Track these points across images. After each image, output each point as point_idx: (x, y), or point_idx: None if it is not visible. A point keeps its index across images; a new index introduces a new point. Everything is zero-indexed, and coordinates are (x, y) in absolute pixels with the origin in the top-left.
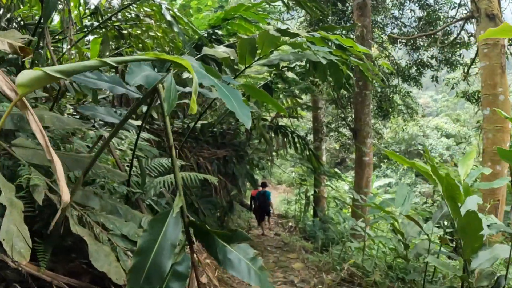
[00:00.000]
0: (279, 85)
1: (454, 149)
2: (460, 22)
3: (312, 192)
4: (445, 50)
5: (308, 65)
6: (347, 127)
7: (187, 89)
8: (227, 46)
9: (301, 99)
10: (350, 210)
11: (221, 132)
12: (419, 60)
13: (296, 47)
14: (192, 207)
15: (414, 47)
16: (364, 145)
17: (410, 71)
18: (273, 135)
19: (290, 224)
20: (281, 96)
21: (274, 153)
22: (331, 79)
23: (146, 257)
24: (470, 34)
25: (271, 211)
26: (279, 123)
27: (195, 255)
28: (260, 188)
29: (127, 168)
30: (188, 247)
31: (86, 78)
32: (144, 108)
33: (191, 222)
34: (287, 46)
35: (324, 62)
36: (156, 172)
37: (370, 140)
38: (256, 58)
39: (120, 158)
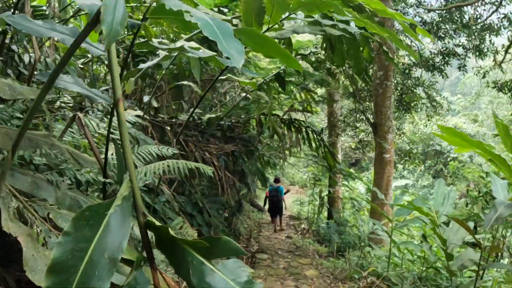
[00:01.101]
0: (292, 78)
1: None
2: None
3: (327, 193)
4: (473, 37)
5: (324, 45)
6: (366, 122)
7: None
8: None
9: (316, 93)
10: (366, 213)
11: (229, 125)
12: (445, 48)
13: (314, 9)
14: (197, 207)
15: (438, 35)
16: (384, 140)
17: (435, 61)
18: (285, 130)
19: (302, 226)
20: (294, 89)
21: (286, 151)
22: (350, 64)
23: (66, 280)
24: (503, 15)
25: (283, 207)
26: (292, 118)
27: (159, 275)
28: (274, 184)
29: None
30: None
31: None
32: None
33: (148, 223)
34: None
35: (347, 34)
36: (143, 163)
37: (391, 136)
38: (264, 29)
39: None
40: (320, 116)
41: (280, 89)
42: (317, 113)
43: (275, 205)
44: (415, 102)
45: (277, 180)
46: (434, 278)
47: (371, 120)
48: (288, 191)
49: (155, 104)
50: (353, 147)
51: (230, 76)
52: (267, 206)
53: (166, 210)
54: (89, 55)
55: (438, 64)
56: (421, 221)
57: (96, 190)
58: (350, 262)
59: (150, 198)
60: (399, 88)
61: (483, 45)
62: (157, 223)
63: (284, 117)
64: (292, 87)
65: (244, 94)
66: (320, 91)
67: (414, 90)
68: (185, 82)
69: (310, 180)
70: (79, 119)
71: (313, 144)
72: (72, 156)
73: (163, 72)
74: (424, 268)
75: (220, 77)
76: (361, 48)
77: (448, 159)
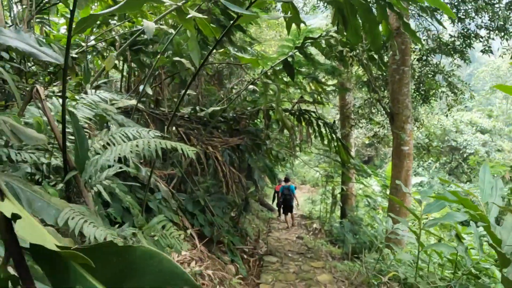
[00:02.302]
0: (302, 68)
1: (491, 145)
2: None
3: (340, 190)
4: (497, 16)
5: (336, 21)
6: (381, 113)
7: None
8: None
9: (327, 84)
10: (381, 211)
11: (234, 117)
12: (466, 30)
13: None
14: (199, 205)
15: (458, 16)
16: (403, 131)
17: (456, 44)
18: (295, 123)
19: (314, 226)
20: (303, 81)
21: (296, 146)
22: (363, 47)
23: None
24: None
25: (294, 204)
26: (302, 109)
27: None
28: (283, 183)
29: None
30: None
31: None
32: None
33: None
34: None
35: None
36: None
37: (410, 126)
38: None
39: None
40: (330, 109)
41: (288, 80)
42: (328, 105)
43: (288, 203)
44: (434, 91)
45: (287, 179)
46: None
47: (387, 109)
48: (295, 187)
49: (149, 91)
50: (366, 142)
51: (227, 49)
52: (275, 202)
53: (162, 209)
54: (83, 44)
55: (459, 48)
56: (454, 218)
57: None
58: (367, 265)
59: (143, 195)
60: (416, 77)
61: (508, 25)
62: (23, 214)
63: (294, 108)
64: (301, 78)
65: (251, 87)
66: (332, 82)
67: (433, 78)
68: (183, 60)
69: (321, 178)
70: (37, 92)
71: (325, 138)
72: (11, 131)
73: (158, 56)
74: (460, 274)
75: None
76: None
77: (465, 155)
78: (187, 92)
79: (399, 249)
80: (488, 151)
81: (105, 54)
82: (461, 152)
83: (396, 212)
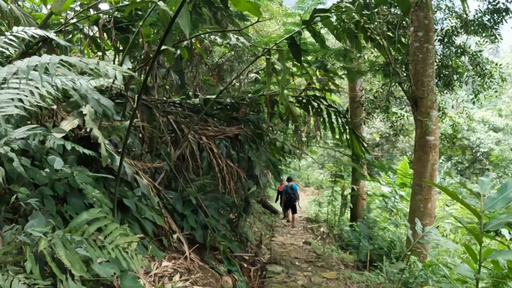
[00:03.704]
0: (309, 57)
1: (504, 144)
2: None
3: (350, 190)
4: None
5: None
6: (400, 101)
7: None
8: None
9: (337, 74)
10: (391, 214)
11: (232, 103)
12: (496, 2)
13: None
14: (191, 205)
15: None
16: (428, 118)
17: (483, 19)
18: (302, 112)
19: (322, 229)
20: (309, 70)
21: (304, 138)
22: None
23: None
24: None
25: (297, 203)
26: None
27: None
28: (286, 183)
29: None
30: None
31: None
32: None
33: None
34: None
35: None
36: None
37: (436, 113)
38: None
39: None
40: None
41: (294, 67)
42: (339, 94)
43: (292, 202)
44: (459, 75)
45: (289, 179)
46: None
47: (409, 93)
48: (298, 187)
49: (129, 64)
50: (377, 139)
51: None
52: (278, 202)
53: (142, 208)
54: (62, 20)
55: (489, 25)
56: None
57: None
58: (390, 276)
59: (119, 190)
60: (437, 60)
61: None
62: None
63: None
64: (307, 67)
65: (253, 75)
66: (341, 73)
67: (457, 61)
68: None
69: (326, 180)
70: None
71: (336, 129)
72: None
73: (141, 24)
74: None
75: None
76: None
77: (478, 154)
78: (183, 83)
79: (431, 256)
80: (502, 149)
81: (89, 33)
82: (474, 151)
83: (420, 213)
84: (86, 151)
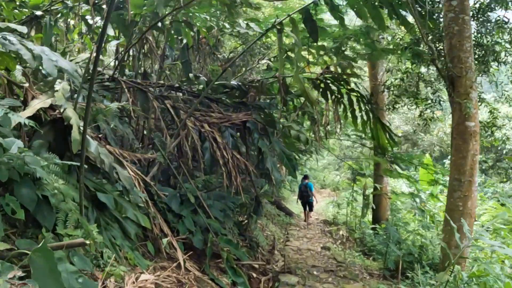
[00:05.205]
0: (325, 42)
1: None
2: None
3: (372, 190)
4: None
5: None
6: (431, 84)
7: None
8: None
9: (355, 61)
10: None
11: (239, 86)
12: None
13: None
14: (189, 204)
15: None
16: (468, 100)
17: None
18: (320, 98)
19: (341, 233)
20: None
21: (321, 131)
22: None
23: None
24: None
25: (313, 201)
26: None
27: None
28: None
29: None
30: None
31: None
32: None
33: None
34: None
35: None
36: None
37: (476, 94)
38: None
39: None
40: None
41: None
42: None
43: (305, 200)
44: (496, 54)
45: (306, 177)
46: None
47: (444, 71)
48: (313, 185)
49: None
50: (399, 135)
51: None
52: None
53: (123, 205)
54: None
55: None
56: None
57: None
58: None
59: (96, 183)
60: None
61: None
62: None
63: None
64: (323, 54)
65: (264, 61)
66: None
67: (492, 40)
68: None
69: (343, 181)
70: None
71: (359, 117)
72: None
73: None
74: None
75: None
76: None
77: (504, 151)
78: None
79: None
80: None
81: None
82: (499, 148)
83: (458, 212)
84: (33, 123)
